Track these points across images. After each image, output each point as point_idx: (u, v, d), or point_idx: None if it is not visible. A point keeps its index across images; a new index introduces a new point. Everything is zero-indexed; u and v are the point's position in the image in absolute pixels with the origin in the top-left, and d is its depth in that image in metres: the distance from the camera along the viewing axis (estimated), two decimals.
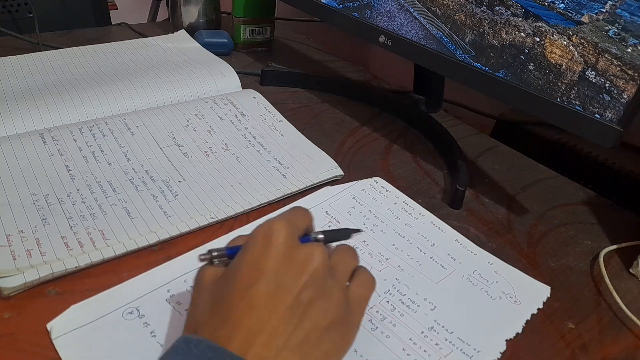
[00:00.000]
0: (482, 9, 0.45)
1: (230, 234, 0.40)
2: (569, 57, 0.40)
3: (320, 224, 0.42)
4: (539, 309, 0.37)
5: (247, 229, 0.40)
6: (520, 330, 0.35)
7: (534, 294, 0.38)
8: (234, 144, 0.51)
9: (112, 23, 0.88)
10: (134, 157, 0.46)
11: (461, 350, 0.33)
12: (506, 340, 0.34)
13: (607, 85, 0.38)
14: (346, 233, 0.33)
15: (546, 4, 0.40)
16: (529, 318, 0.36)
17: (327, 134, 0.57)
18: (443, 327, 0.34)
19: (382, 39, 0.55)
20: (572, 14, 0.39)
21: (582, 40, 0.38)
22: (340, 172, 0.49)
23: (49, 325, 0.31)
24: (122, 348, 0.30)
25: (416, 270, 0.39)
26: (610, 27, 0.37)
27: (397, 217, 0.44)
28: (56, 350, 0.29)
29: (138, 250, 0.37)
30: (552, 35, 0.40)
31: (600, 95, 0.38)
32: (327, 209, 0.44)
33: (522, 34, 0.42)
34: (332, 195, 0.46)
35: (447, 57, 0.49)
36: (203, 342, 0.24)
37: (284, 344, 0.24)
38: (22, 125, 0.48)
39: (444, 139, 0.56)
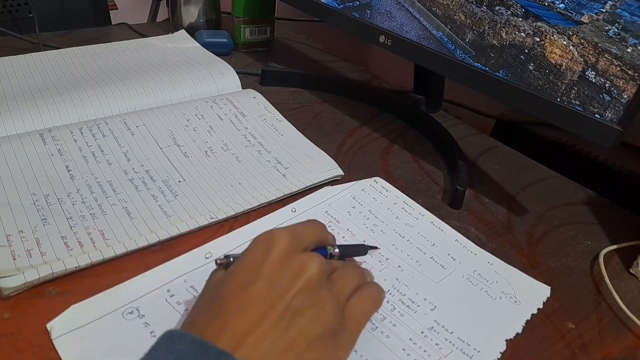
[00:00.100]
0: (482, 9, 0.45)
1: (230, 234, 0.40)
2: (569, 57, 0.40)
3: None
4: (539, 309, 0.37)
5: (247, 229, 0.40)
6: (520, 330, 0.35)
7: (534, 294, 0.38)
8: (234, 144, 0.51)
9: (112, 23, 0.88)
10: (134, 157, 0.46)
11: (461, 350, 0.33)
12: (506, 340, 0.34)
13: (607, 85, 0.38)
14: (363, 249, 0.34)
15: (546, 4, 0.40)
16: (529, 318, 0.36)
17: (327, 134, 0.57)
18: (443, 327, 0.34)
19: (382, 39, 0.55)
20: (572, 14, 0.39)
21: (582, 40, 0.38)
22: (340, 172, 0.49)
23: (49, 325, 0.31)
24: (122, 348, 0.30)
25: (416, 270, 0.39)
26: (610, 27, 0.37)
27: (397, 217, 0.44)
28: (56, 350, 0.29)
29: (138, 250, 0.37)
30: (552, 35, 0.40)
31: (600, 95, 0.38)
32: (327, 209, 0.44)
33: (522, 34, 0.42)
34: (332, 195, 0.46)
35: (447, 57, 0.49)
36: (187, 336, 0.24)
37: (270, 347, 0.24)
38: (22, 125, 0.48)
39: (444, 139, 0.56)
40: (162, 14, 1.14)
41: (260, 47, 0.79)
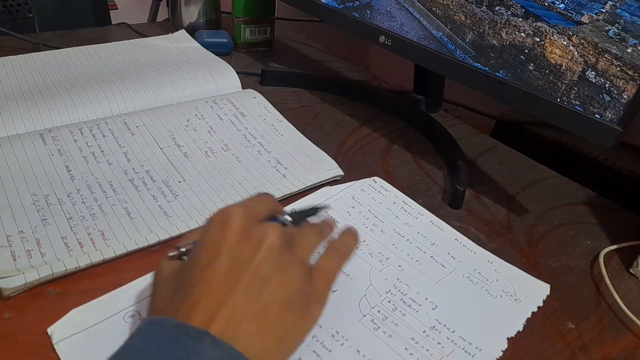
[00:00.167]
0: (482, 9, 0.45)
1: None
2: (569, 57, 0.40)
3: None
4: (539, 307, 0.37)
5: None
6: (521, 329, 0.35)
7: (533, 292, 0.38)
8: (234, 144, 0.51)
9: (112, 23, 0.88)
10: (134, 157, 0.46)
11: (463, 348, 0.33)
12: (507, 339, 0.34)
13: (607, 85, 0.38)
14: (313, 211, 0.34)
15: (546, 4, 0.40)
16: (529, 316, 0.36)
17: (327, 134, 0.57)
18: (445, 326, 0.34)
19: (382, 39, 0.55)
20: (572, 14, 0.39)
21: (582, 41, 0.39)
22: (340, 172, 0.49)
23: (49, 330, 0.30)
24: None
25: (417, 270, 0.39)
26: (610, 27, 0.37)
27: (397, 217, 0.44)
28: (56, 351, 0.29)
29: (138, 251, 0.37)
30: (552, 36, 0.40)
31: (600, 96, 0.38)
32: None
33: (522, 34, 0.42)
34: (332, 195, 0.46)
35: (447, 57, 0.49)
36: (167, 320, 0.24)
37: (242, 316, 0.25)
38: (22, 126, 0.48)
39: (444, 139, 0.56)
40: (162, 14, 1.14)
41: (260, 47, 0.79)
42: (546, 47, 0.41)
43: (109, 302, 0.33)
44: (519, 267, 0.40)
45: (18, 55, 0.62)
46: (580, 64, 0.39)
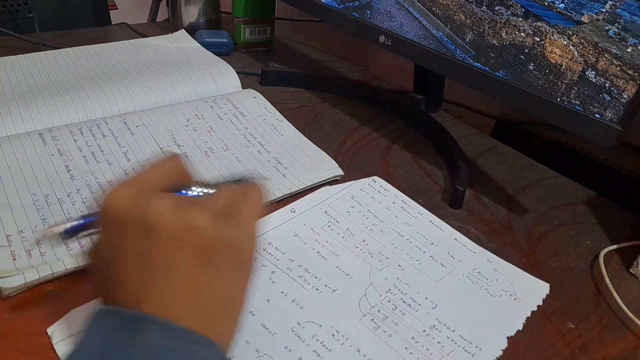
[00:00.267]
0: (482, 9, 0.45)
1: None
2: (569, 57, 0.40)
3: (320, 224, 0.42)
4: (539, 307, 0.37)
5: None
6: (520, 328, 0.35)
7: (533, 291, 0.38)
8: (234, 144, 0.51)
9: (112, 23, 0.88)
10: (134, 157, 0.46)
11: (463, 348, 0.33)
12: (507, 338, 0.34)
13: (607, 85, 0.38)
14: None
15: (546, 3, 0.40)
16: (529, 315, 0.36)
17: (327, 134, 0.57)
18: (445, 325, 0.34)
19: (382, 39, 0.55)
20: (572, 13, 0.39)
21: (582, 40, 0.39)
22: (340, 172, 0.49)
23: (49, 330, 0.30)
24: None
25: (416, 269, 0.39)
26: (610, 27, 0.37)
27: (396, 216, 0.44)
28: (55, 351, 0.29)
29: None
30: (552, 35, 0.40)
31: (600, 95, 0.38)
32: (326, 209, 0.44)
33: (522, 33, 0.42)
34: (331, 195, 0.46)
35: (447, 57, 0.49)
36: (115, 311, 0.24)
37: (163, 292, 0.24)
38: (22, 125, 0.48)
39: (444, 139, 0.56)
40: (162, 14, 1.14)
41: (260, 47, 0.79)
42: (546, 46, 0.41)
43: None
44: (519, 267, 0.40)
45: (18, 55, 0.61)
46: (580, 63, 0.39)
